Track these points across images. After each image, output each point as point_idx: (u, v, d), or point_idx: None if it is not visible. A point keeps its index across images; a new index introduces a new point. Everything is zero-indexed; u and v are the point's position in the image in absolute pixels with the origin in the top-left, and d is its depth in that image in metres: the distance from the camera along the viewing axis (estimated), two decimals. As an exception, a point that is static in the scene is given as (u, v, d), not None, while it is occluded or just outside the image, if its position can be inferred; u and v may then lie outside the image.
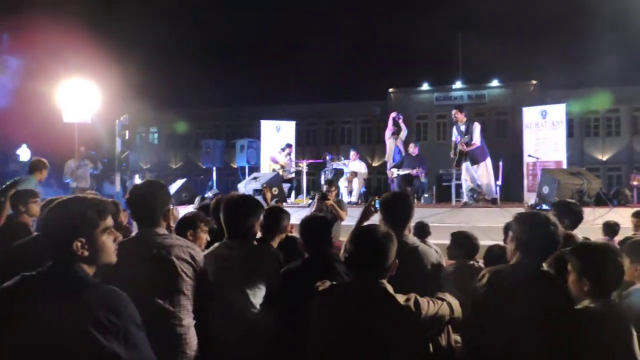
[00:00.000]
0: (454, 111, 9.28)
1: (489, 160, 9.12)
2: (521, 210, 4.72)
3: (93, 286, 1.65)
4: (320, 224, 2.89)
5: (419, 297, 2.10)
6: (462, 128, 9.01)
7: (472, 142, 8.83)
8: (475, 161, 9.00)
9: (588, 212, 6.97)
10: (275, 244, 3.16)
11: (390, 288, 2.10)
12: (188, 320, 2.40)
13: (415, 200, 10.11)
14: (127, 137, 10.66)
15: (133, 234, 2.58)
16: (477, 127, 8.91)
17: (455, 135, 9.23)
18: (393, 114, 11.31)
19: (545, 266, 2.40)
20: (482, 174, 9.07)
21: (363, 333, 2.02)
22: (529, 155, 11.29)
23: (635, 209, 6.03)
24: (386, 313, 2.04)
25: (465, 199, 9.22)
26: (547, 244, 2.33)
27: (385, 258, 2.10)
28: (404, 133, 11.08)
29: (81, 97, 9.48)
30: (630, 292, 2.61)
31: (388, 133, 11.22)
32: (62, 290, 1.61)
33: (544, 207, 7.40)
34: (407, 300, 2.07)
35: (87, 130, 10.07)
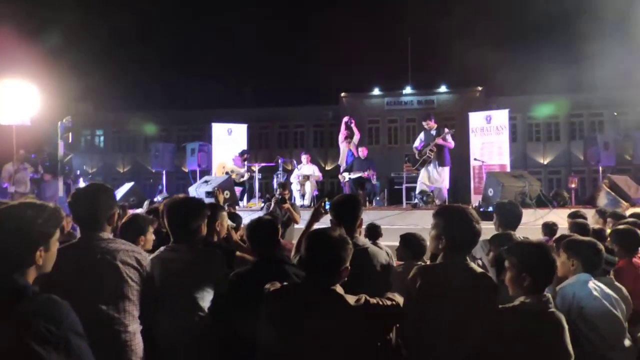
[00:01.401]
0: (424, 122, 9.97)
1: (448, 169, 9.74)
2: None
3: (31, 295, 1.57)
4: (267, 226, 2.82)
5: (368, 298, 2.13)
6: (433, 132, 9.68)
7: (448, 141, 9.52)
8: (442, 163, 9.60)
9: (529, 213, 7.34)
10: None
11: (340, 289, 2.11)
12: (134, 327, 2.34)
13: (367, 203, 10.28)
14: (70, 140, 10.24)
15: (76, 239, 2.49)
16: (448, 132, 9.55)
17: (420, 141, 9.85)
18: (345, 118, 11.47)
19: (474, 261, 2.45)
20: (443, 177, 9.64)
21: (313, 334, 2.02)
22: (475, 159, 11.69)
23: (572, 210, 6.39)
24: (336, 314, 2.05)
25: (415, 201, 9.51)
26: (472, 239, 2.38)
27: (339, 263, 2.08)
28: (356, 137, 11.23)
29: (19, 98, 9.01)
30: (565, 286, 2.76)
31: (341, 137, 11.37)
32: None
33: (490, 209, 7.71)
34: (358, 301, 2.09)
35: (26, 132, 9.58)
